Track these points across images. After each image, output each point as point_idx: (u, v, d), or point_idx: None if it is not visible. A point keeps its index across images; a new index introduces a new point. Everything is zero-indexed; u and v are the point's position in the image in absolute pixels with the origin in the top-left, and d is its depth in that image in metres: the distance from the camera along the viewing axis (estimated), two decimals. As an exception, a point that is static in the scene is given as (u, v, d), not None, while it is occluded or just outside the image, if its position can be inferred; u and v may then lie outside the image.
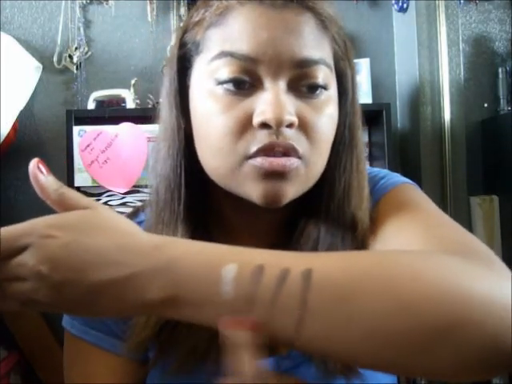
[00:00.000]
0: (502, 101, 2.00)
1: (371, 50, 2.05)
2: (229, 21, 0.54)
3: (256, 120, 0.53)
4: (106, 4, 1.96)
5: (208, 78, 0.55)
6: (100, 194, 1.73)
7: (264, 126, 0.53)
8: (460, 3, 2.01)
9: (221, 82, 0.54)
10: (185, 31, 0.60)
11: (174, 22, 1.95)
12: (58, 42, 1.92)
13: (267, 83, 0.53)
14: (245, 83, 0.54)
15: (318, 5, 0.56)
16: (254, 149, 0.53)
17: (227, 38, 0.54)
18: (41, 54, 1.92)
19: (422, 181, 1.90)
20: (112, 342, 0.61)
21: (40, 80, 1.89)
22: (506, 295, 0.39)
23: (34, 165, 0.45)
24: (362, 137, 0.63)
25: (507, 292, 0.39)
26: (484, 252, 0.47)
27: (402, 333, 0.37)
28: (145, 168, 1.70)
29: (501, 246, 1.93)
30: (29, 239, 0.41)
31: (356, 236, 0.59)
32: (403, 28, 2.03)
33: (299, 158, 0.54)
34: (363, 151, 0.62)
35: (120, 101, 1.83)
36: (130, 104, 1.83)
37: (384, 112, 1.80)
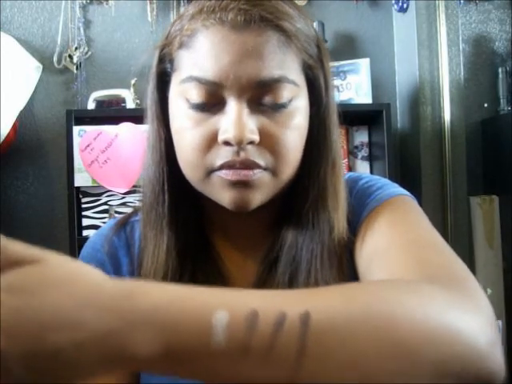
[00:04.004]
0: (501, 101, 2.01)
1: (371, 50, 2.06)
2: (196, 44, 0.59)
3: (220, 138, 0.58)
4: (106, 4, 1.96)
5: (180, 97, 0.60)
6: (100, 194, 1.73)
7: (227, 143, 0.57)
8: (460, 3, 2.01)
9: (190, 103, 0.59)
10: (163, 46, 0.63)
11: (174, 22, 1.96)
12: (58, 42, 1.92)
13: (231, 103, 0.58)
14: (211, 104, 0.58)
15: (282, 18, 0.58)
16: (218, 164, 0.58)
17: (194, 63, 0.58)
18: (41, 54, 1.92)
19: (422, 181, 1.90)
20: None
21: (40, 80, 1.89)
22: (484, 331, 0.41)
23: None
24: (339, 140, 0.65)
25: (485, 327, 0.42)
26: (466, 280, 0.48)
27: (399, 373, 0.38)
28: (145, 168, 1.70)
29: (501, 246, 1.93)
30: None
31: (333, 238, 0.62)
32: (403, 28, 2.03)
33: (264, 169, 0.58)
34: (340, 154, 0.65)
35: (120, 101, 1.83)
36: (130, 104, 1.83)
37: (384, 112, 1.81)
